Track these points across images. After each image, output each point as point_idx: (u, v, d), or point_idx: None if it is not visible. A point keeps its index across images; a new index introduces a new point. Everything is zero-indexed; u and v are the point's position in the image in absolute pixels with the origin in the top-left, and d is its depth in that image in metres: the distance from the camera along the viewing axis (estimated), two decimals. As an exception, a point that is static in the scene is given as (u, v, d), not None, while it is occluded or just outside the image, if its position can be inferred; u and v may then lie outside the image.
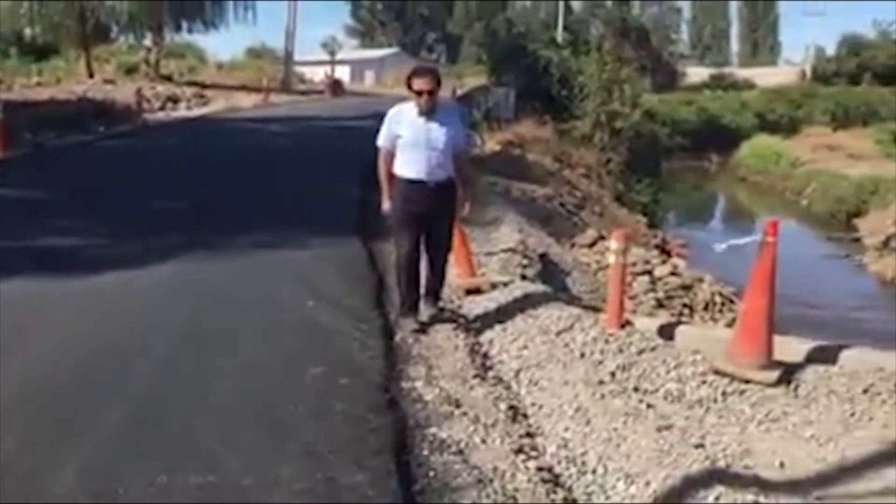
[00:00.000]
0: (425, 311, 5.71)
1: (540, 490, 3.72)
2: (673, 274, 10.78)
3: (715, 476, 3.87)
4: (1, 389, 4.17)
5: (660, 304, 9.54)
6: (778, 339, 6.04)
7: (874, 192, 21.13)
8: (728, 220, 24.40)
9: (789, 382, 5.17)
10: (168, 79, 30.31)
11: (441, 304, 5.95)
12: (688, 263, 12.82)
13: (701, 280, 10.98)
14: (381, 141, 5.53)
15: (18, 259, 6.79)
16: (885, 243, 17.35)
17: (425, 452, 3.85)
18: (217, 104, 25.57)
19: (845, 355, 5.56)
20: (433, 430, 4.12)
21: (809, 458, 4.29)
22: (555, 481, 3.88)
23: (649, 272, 10.57)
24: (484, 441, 4.09)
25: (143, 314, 5.65)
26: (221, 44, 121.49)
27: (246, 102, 26.62)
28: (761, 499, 3.64)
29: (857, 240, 18.13)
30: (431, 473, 3.65)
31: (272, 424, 3.95)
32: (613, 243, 5.99)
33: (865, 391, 5.04)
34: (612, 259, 6.03)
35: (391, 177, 5.53)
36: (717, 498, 3.64)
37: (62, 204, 9.45)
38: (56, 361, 4.67)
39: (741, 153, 37.34)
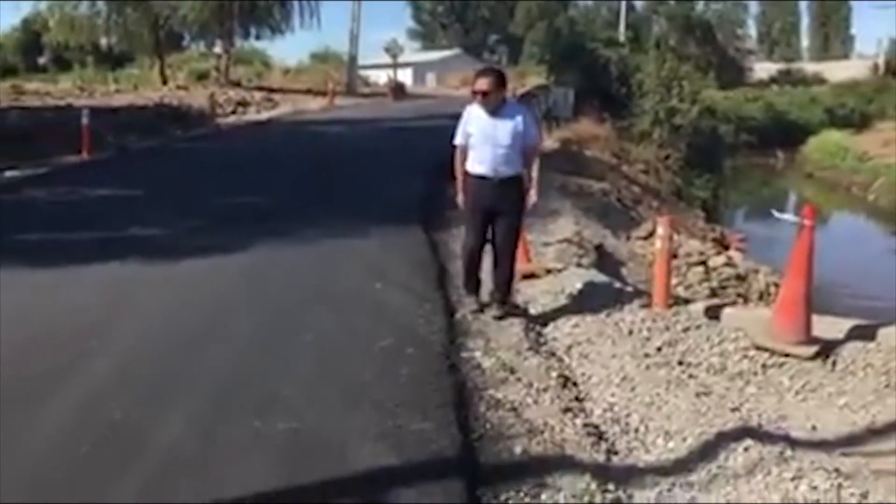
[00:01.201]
0: (494, 311, 6.00)
1: (585, 442, 4.14)
2: (728, 265, 11.01)
3: (747, 433, 4.24)
4: (113, 356, 4.79)
5: (713, 294, 9.78)
6: (819, 318, 6.35)
7: (942, 185, 20.89)
8: (794, 215, 24.10)
9: (827, 357, 5.48)
10: (237, 84, 31.45)
11: (509, 305, 6.17)
12: (745, 256, 12.97)
13: (756, 271, 11.18)
14: (458, 139, 5.94)
15: (111, 248, 7.47)
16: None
17: (482, 409, 4.32)
18: (284, 107, 26.46)
19: (883, 332, 5.82)
20: (490, 391, 4.58)
21: (840, 423, 4.62)
22: (599, 435, 4.31)
23: (704, 262, 10.83)
24: (536, 402, 4.54)
25: (227, 295, 6.24)
26: (287, 49, 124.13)
27: (312, 105, 27.46)
28: (787, 451, 3.99)
29: (923, 234, 17.98)
30: (488, 425, 4.12)
31: (346, 385, 4.46)
32: (660, 229, 6.36)
33: (901, 365, 5.31)
34: (658, 244, 6.39)
35: (465, 173, 5.94)
36: (745, 449, 4.00)
37: (147, 200, 10.19)
38: (154, 335, 5.26)
39: (807, 149, 36.77)
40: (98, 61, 45.48)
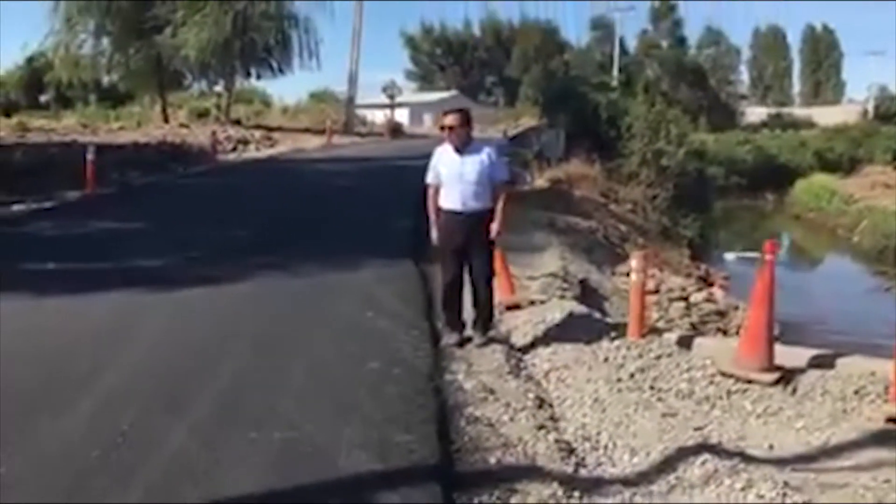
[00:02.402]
0: (476, 340, 6.32)
1: (556, 455, 4.50)
2: (708, 301, 11.43)
3: (705, 449, 4.60)
4: (121, 373, 5.16)
5: (693, 328, 10.15)
6: (782, 348, 6.76)
7: (923, 228, 21.43)
8: (779, 255, 24.64)
9: (788, 383, 5.87)
10: (237, 122, 32.09)
11: (492, 333, 6.54)
12: (727, 294, 13.37)
13: (737, 307, 11.56)
14: (429, 178, 6.34)
15: (116, 276, 7.88)
16: (928, 279, 17.67)
17: (462, 424, 4.69)
18: (283, 146, 27.02)
19: (842, 362, 6.23)
20: (470, 409, 4.95)
21: (796, 443, 4.98)
22: (569, 450, 4.67)
23: (685, 298, 11.24)
24: (512, 419, 4.90)
25: (226, 321, 6.62)
26: (286, 88, 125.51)
27: (310, 144, 28.04)
28: (741, 465, 4.35)
29: (904, 275, 18.44)
30: (466, 438, 4.49)
31: (338, 401, 4.83)
32: (634, 262, 6.77)
33: (856, 392, 5.70)
34: (633, 276, 6.80)
35: (438, 210, 6.32)
36: (703, 463, 4.37)
37: (150, 233, 10.62)
38: (156, 356, 5.63)
39: (795, 191, 37.42)
40: (100, 99, 46.20)
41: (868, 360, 6.21)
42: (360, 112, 43.72)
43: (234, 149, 25.08)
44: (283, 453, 4.07)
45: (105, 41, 32.89)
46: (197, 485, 3.70)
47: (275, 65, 35.27)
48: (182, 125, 29.38)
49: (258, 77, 36.95)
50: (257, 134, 28.44)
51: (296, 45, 34.28)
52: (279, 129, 31.72)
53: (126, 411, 4.52)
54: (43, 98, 53.30)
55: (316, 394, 4.95)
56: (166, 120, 31.94)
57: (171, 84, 36.17)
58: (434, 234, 6.40)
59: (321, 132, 30.72)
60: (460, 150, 6.17)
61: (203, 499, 3.58)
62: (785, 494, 3.95)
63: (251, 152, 25.16)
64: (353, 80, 37.76)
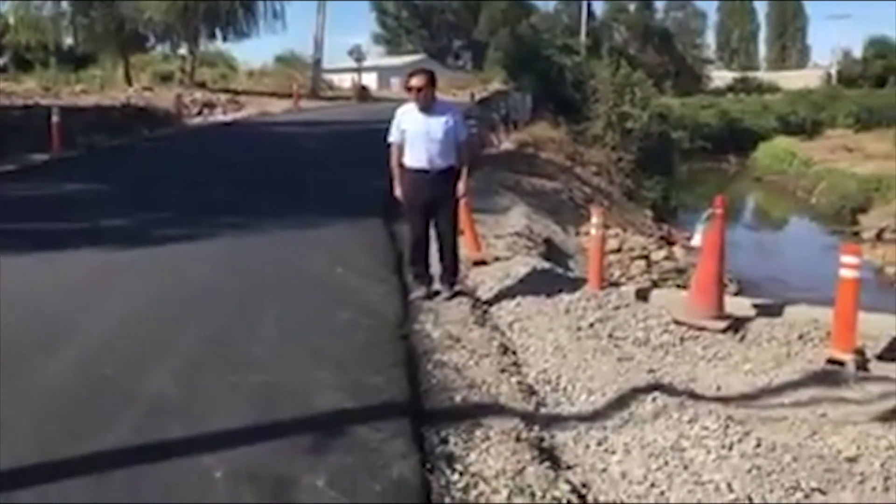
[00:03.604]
0: (443, 293, 6.60)
1: (518, 396, 4.81)
2: (668, 259, 11.82)
3: (657, 388, 4.93)
4: (101, 326, 5.36)
5: (654, 284, 10.51)
6: (734, 299, 7.13)
7: (878, 189, 22.03)
8: (739, 216, 25.25)
9: (737, 330, 6.22)
10: (203, 86, 31.77)
11: (458, 287, 6.82)
12: (688, 252, 13.76)
13: (695, 265, 11.93)
14: (392, 137, 6.50)
15: (88, 237, 8.01)
16: (878, 236, 18.33)
17: (430, 368, 4.97)
18: (250, 109, 26.90)
19: (789, 310, 6.61)
20: (437, 355, 5.23)
21: (742, 384, 5.32)
22: (531, 392, 4.98)
23: (646, 256, 11.61)
24: (477, 364, 5.19)
25: (200, 277, 6.82)
26: (251, 52, 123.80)
27: (277, 108, 27.92)
28: (688, 402, 4.69)
29: (857, 233, 19.05)
30: (433, 380, 4.77)
31: (311, 349, 5.08)
32: (594, 217, 7.06)
33: (800, 337, 6.07)
34: (592, 231, 7.10)
35: (401, 168, 6.50)
36: (653, 400, 4.70)
37: (119, 194, 10.70)
38: (134, 309, 5.82)
39: (758, 154, 38.08)
40: (60, 62, 45.28)
41: (812, 309, 6.58)
42: (328, 76, 43.44)
43: (200, 112, 24.92)
44: (261, 394, 4.32)
45: (65, 3, 32.29)
46: (181, 422, 3.94)
47: (240, 27, 34.93)
48: (146, 88, 29.01)
49: (223, 40, 36.58)
50: (223, 97, 28.22)
51: (261, 8, 33.99)
52: (245, 92, 31.46)
53: (108, 359, 4.73)
54: (0, 61, 52.10)
55: (290, 342, 5.20)
56: (129, 83, 31.49)
57: (134, 46, 35.62)
58: (398, 190, 6.58)
59: (288, 96, 30.55)
60: (425, 109, 6.36)
61: (188, 434, 3.82)
62: (727, 426, 4.28)
63: (217, 116, 25.01)
64: (319, 44, 37.55)
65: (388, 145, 6.57)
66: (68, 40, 38.85)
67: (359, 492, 3.37)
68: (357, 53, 40.16)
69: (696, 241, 6.64)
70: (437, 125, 6.33)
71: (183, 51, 35.48)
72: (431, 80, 6.45)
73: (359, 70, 39.94)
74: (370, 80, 46.80)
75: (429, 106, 6.38)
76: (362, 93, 36.01)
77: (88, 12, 31.98)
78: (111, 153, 15.56)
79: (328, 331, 5.44)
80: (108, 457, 3.62)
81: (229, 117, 24.78)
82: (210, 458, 3.57)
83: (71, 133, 15.51)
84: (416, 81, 6.33)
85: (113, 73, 34.69)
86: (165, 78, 33.93)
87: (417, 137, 6.34)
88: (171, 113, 22.24)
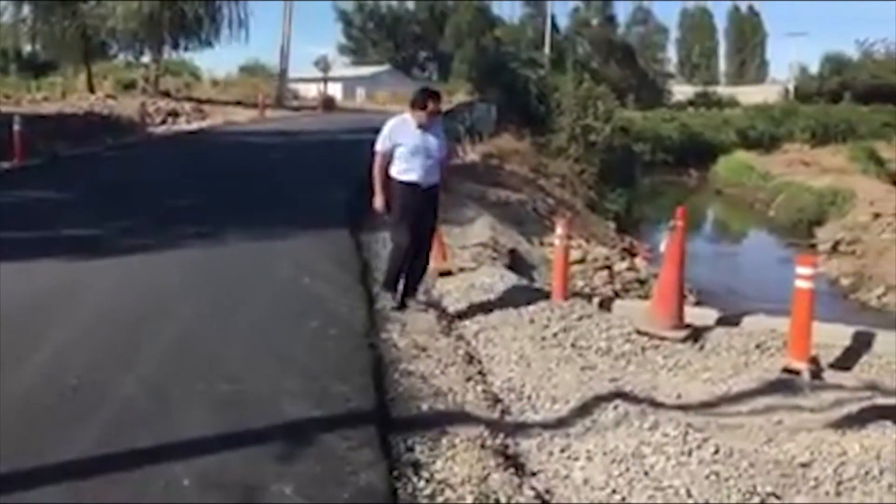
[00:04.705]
0: (415, 304, 6.66)
1: (483, 404, 4.90)
2: (630, 270, 12.01)
3: (618, 397, 5.04)
4: (70, 332, 5.34)
5: (616, 295, 10.68)
6: (694, 309, 7.30)
7: (833, 202, 22.57)
8: (699, 228, 25.68)
9: (697, 340, 6.37)
10: (167, 94, 31.49)
11: (424, 297, 6.97)
12: (650, 264, 13.98)
13: (657, 276, 12.14)
14: (379, 146, 6.46)
15: (53, 245, 7.91)
16: (834, 248, 18.81)
17: (396, 377, 5.04)
18: (215, 119, 26.72)
19: (747, 320, 6.79)
20: (404, 364, 5.30)
21: (701, 392, 5.46)
22: (496, 400, 5.07)
23: (609, 267, 11.79)
24: (443, 373, 5.27)
25: (167, 286, 6.79)
26: (215, 61, 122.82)
27: (242, 117, 27.77)
28: (649, 409, 4.80)
29: (813, 246, 19.51)
30: (400, 389, 4.84)
31: (279, 358, 5.11)
32: (558, 229, 7.18)
33: (758, 346, 6.25)
34: (556, 242, 7.22)
35: (387, 179, 6.47)
36: (615, 408, 4.81)
37: (83, 203, 10.58)
38: (101, 317, 5.80)
39: (717, 168, 38.74)
40: (20, 69, 44.56)
41: (770, 319, 6.77)
42: (293, 86, 43.27)
43: (164, 121, 24.68)
44: (229, 402, 4.35)
45: (26, 8, 31.82)
46: (149, 429, 3.95)
47: (204, 36, 34.69)
48: (109, 96, 28.66)
49: (186, 49, 36.27)
50: (188, 106, 27.98)
51: (225, 16, 33.80)
52: (210, 101, 31.25)
53: (76, 366, 4.72)
54: (-42, 68, 51.15)
55: (258, 351, 5.22)
56: (92, 90, 31.10)
57: (97, 54, 35.20)
58: (379, 201, 6.50)
59: (253, 105, 30.41)
60: (425, 126, 6.43)
61: (155, 442, 3.83)
62: (687, 433, 4.40)
63: (182, 125, 24.79)
64: (284, 54, 37.43)
65: (374, 153, 6.52)
66: (28, 47, 38.34)
67: (326, 499, 3.42)
68: (323, 64, 40.13)
69: (662, 248, 6.78)
70: (434, 142, 6.45)
71: (146, 59, 35.13)
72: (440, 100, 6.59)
73: (325, 80, 39.90)
74: (336, 90, 46.72)
75: (431, 124, 6.46)
76: (328, 103, 35.96)
77: (50, 19, 31.50)
78: (74, 162, 15.37)
79: (295, 339, 5.48)
80: (75, 466, 3.62)
81: (194, 126, 24.59)
82: (178, 466, 3.59)
83: (33, 141, 15.30)
84: (434, 105, 6.45)
85: (74, 81, 34.25)
86: (128, 86, 33.56)
87: (417, 152, 6.39)
88: (135, 121, 22.01)
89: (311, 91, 42.53)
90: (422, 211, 6.50)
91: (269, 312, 6.13)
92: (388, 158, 6.45)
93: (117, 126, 20.74)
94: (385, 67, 60.09)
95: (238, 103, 31.81)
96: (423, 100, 6.49)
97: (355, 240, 8.93)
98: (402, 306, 6.61)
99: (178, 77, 39.38)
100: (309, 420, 4.21)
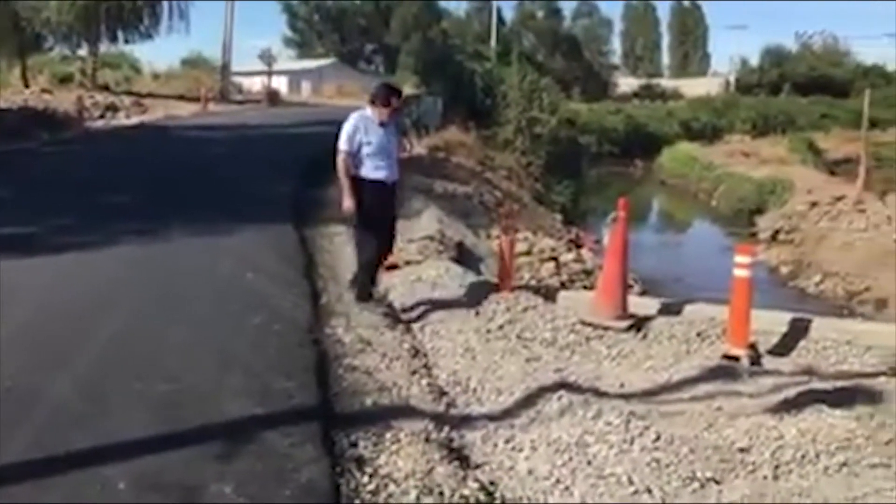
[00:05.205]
0: (360, 296, 6.57)
1: (428, 398, 4.89)
2: (577, 261, 12.12)
3: (563, 387, 5.08)
4: (4, 330, 5.18)
5: (562, 286, 10.76)
6: (637, 299, 7.39)
7: (773, 192, 23.11)
8: (645, 219, 26.07)
9: (639, 329, 6.46)
10: (105, 88, 30.76)
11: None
12: (596, 255, 14.12)
13: (602, 267, 12.28)
14: (346, 146, 6.28)
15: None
16: (773, 237, 19.27)
17: (340, 372, 5.00)
18: (156, 113, 26.20)
19: (688, 309, 6.91)
20: (348, 359, 5.26)
21: (644, 380, 5.54)
22: (441, 393, 5.06)
23: (555, 259, 11.88)
24: (388, 367, 5.25)
25: (106, 284, 6.64)
26: (157, 54, 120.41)
27: (184, 111, 27.30)
28: (592, 399, 4.85)
29: (754, 234, 19.95)
30: (344, 384, 4.80)
31: (220, 355, 5.03)
32: (503, 221, 7.20)
33: (698, 334, 6.37)
34: (501, 235, 7.24)
35: (356, 179, 6.31)
36: (559, 398, 4.84)
37: (18, 201, 10.26)
38: (37, 317, 5.64)
39: (661, 159, 39.30)
40: (-52, 63, 43.08)
41: (710, 307, 6.90)
42: (237, 79, 42.65)
43: (103, 115, 24.13)
44: (168, 401, 4.25)
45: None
46: (84, 431, 3.84)
47: (143, 28, 33.96)
48: (44, 90, 27.87)
49: (126, 41, 35.45)
50: (127, 100, 27.39)
51: (165, 7, 33.14)
52: (150, 95, 30.62)
53: (9, 367, 4.57)
54: None
55: (198, 349, 5.13)
56: (26, 84, 30.21)
57: (31, 47, 34.18)
58: (349, 202, 6.30)
59: (196, 99, 29.88)
60: (385, 123, 6.37)
61: (90, 444, 3.73)
62: (629, 421, 4.45)
63: (121, 119, 24.26)
64: (227, 46, 36.81)
65: (340, 151, 6.35)
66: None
67: (267, 498, 3.36)
68: (267, 57, 39.56)
69: (607, 239, 6.84)
70: (394, 139, 6.47)
71: (83, 52, 34.26)
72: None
73: (269, 73, 39.36)
74: (281, 83, 46.20)
75: (391, 120, 6.44)
76: (273, 97, 35.48)
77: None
78: (8, 157, 14.87)
79: (238, 336, 5.39)
80: (7, 470, 3.50)
81: (134, 121, 24.07)
82: (113, 468, 3.50)
83: (-36, 137, 14.84)
84: (397, 102, 6.43)
85: (8, 75, 33.22)
86: (65, 80, 32.63)
87: (381, 150, 6.33)
88: (72, 116, 21.44)
89: (255, 85, 41.99)
90: (388, 208, 6.50)
91: (211, 309, 6.02)
92: (354, 157, 6.31)
93: (53, 121, 20.18)
94: (331, 61, 59.60)
95: (180, 97, 31.25)
96: (386, 96, 6.43)
97: (300, 234, 8.84)
98: (368, 297, 6.59)
99: (117, 70, 38.38)
100: (250, 418, 4.14)
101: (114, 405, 4.19)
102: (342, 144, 6.28)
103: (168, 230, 8.63)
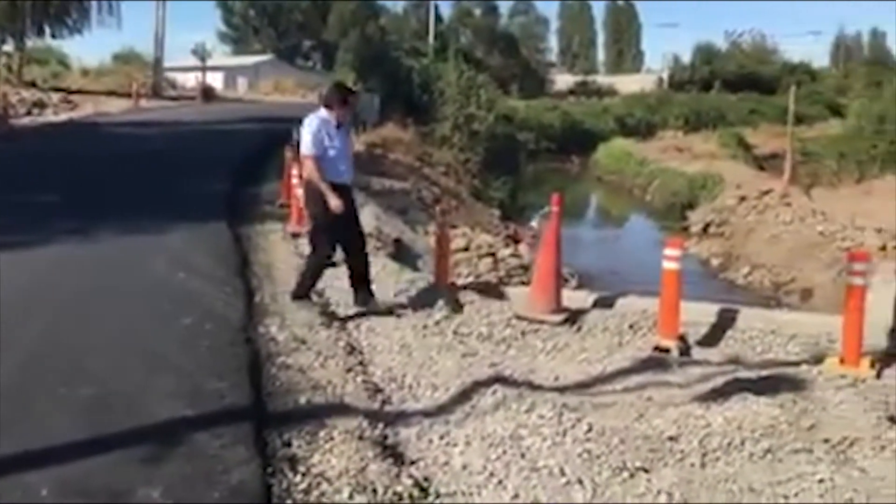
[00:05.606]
0: (371, 303, 6.50)
1: (363, 395, 4.86)
2: (514, 256, 12.23)
3: (497, 381, 5.11)
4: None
5: (501, 282, 10.84)
6: (572, 293, 7.49)
7: (704, 186, 23.68)
8: (582, 215, 26.44)
9: (574, 322, 6.55)
10: (32, 84, 29.83)
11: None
12: (533, 250, 14.26)
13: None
14: (314, 150, 6.12)
15: None
16: (705, 230, 19.76)
17: (274, 371, 4.94)
18: (85, 109, 25.55)
19: (621, 302, 7.02)
20: (282, 358, 5.20)
21: (577, 373, 5.61)
22: (376, 390, 5.04)
23: (493, 254, 11.96)
24: (322, 365, 5.20)
25: (31, 286, 6.44)
26: (87, 49, 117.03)
27: (115, 108, 26.66)
28: (526, 392, 4.89)
29: (686, 228, 20.41)
30: (277, 383, 4.75)
31: (149, 356, 4.92)
32: (439, 217, 7.22)
33: (631, 326, 6.49)
34: (436, 229, 7.25)
35: (308, 183, 6.22)
36: (493, 393, 4.87)
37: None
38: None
39: (597, 155, 39.86)
40: None
41: (642, 300, 7.02)
42: (171, 75, 41.85)
43: (29, 112, 23.46)
44: (93, 405, 4.15)
45: None
46: (6, 437, 3.72)
47: (71, 23, 33.04)
48: (-33, 87, 26.96)
49: (53, 36, 34.46)
50: (55, 97, 26.64)
51: (94, 2, 32.28)
52: (80, 91, 29.83)
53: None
54: None
55: (126, 351, 5.01)
56: (-52, 80, 29.16)
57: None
58: (335, 201, 6.10)
59: (127, 95, 29.22)
60: (342, 123, 6.31)
61: (13, 450, 3.62)
62: (562, 414, 4.50)
63: (48, 116, 23.60)
64: (160, 41, 36.05)
65: (310, 157, 6.18)
66: None
67: (196, 500, 3.31)
68: (201, 52, 38.84)
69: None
70: (347, 139, 6.40)
71: (8, 47, 33.15)
72: None
73: (203, 69, 38.66)
74: (216, 79, 45.42)
75: (346, 121, 6.39)
76: (207, 93, 34.86)
77: None
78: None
79: (167, 337, 5.29)
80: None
81: (63, 117, 23.43)
82: (36, 474, 3.40)
83: None
84: (354, 101, 6.44)
85: (-72, 71, 31.99)
86: (-11, 76, 31.60)
87: (342, 154, 6.28)
88: (-5, 113, 20.77)
89: (189, 81, 41.23)
90: (350, 209, 6.38)
91: (141, 310, 5.90)
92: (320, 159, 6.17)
93: (-25, 118, 19.50)
94: (268, 57, 58.90)
95: (111, 93, 30.50)
96: (343, 96, 6.38)
97: (234, 232, 8.73)
98: (367, 302, 6.51)
99: (44, 66, 37.31)
100: (180, 420, 4.07)
101: (37, 410, 4.07)
102: (310, 149, 6.13)
103: (98, 229, 8.44)
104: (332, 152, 6.20)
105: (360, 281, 6.57)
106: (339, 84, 6.73)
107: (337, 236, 6.39)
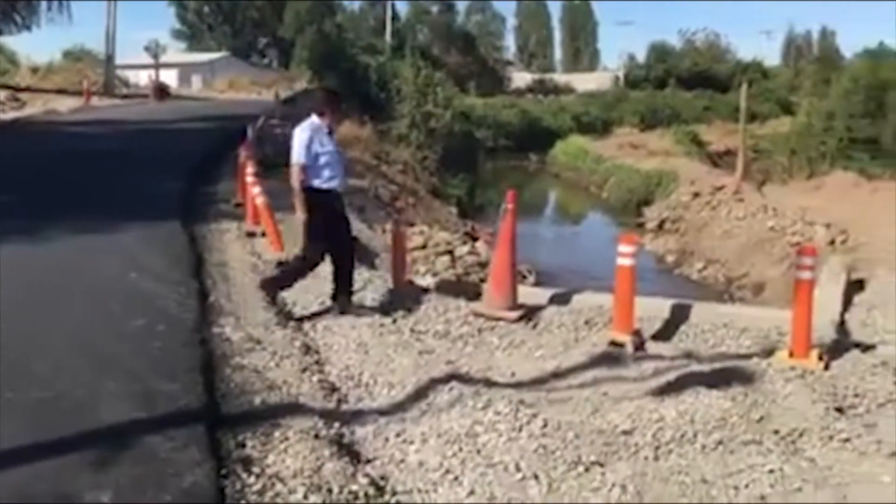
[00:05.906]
0: (350, 308, 6.47)
1: (319, 394, 4.83)
2: (472, 253, 12.24)
3: (454, 378, 5.12)
4: None
5: (458, 279, 10.87)
6: (528, 289, 7.53)
7: (659, 183, 23.99)
8: (540, 212, 26.61)
9: (530, 319, 6.59)
10: (-23, 82, 29.14)
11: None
12: (491, 247, 14.30)
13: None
14: (303, 158, 6.08)
15: None
16: (660, 226, 20.05)
17: (228, 372, 4.89)
18: (33, 108, 24.99)
19: (576, 298, 7.09)
20: (236, 359, 5.15)
21: (534, 369, 5.64)
22: (332, 389, 5.01)
23: (451, 252, 11.97)
24: (278, 365, 5.17)
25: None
26: (36, 46, 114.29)
27: (65, 106, 26.08)
28: (482, 389, 4.91)
29: (641, 224, 20.68)
30: (232, 384, 4.70)
31: (99, 359, 4.84)
32: (395, 215, 7.21)
33: (586, 322, 6.55)
34: (391, 227, 7.25)
35: (311, 190, 6.16)
36: (450, 390, 4.88)
37: None
38: None
39: (554, 152, 40.12)
40: None
41: (598, 296, 7.11)
42: (123, 73, 41.06)
43: (-26, 111, 22.89)
44: (41, 409, 4.07)
45: None
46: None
47: (19, 20, 32.28)
48: None
49: (0, 32, 33.62)
50: (2, 94, 26.00)
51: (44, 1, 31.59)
52: (29, 89, 29.17)
53: None
54: None
55: (76, 354, 4.92)
56: None
57: None
58: (302, 213, 6.24)
59: (78, 94, 28.63)
60: (332, 129, 6.31)
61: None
62: (518, 410, 4.53)
63: (-5, 114, 23.04)
64: (111, 38, 35.36)
65: (300, 165, 6.16)
66: None
67: (146, 503, 3.26)
68: (154, 48, 38.14)
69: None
70: (336, 146, 6.35)
71: (-46, 43, 32.36)
72: None
73: (157, 66, 38.01)
74: (170, 77, 44.73)
75: (336, 128, 6.41)
76: (161, 91, 34.26)
77: None
78: None
79: (119, 339, 5.20)
80: None
81: (10, 116, 22.86)
82: (-20, 481, 3.33)
83: None
84: (343, 106, 6.48)
85: None
86: (-68, 73, 30.80)
87: (333, 158, 6.25)
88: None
89: (142, 78, 40.52)
90: (342, 215, 6.48)
91: (91, 312, 5.79)
92: (309, 169, 6.14)
93: (-82, 117, 18.96)
94: (223, 54, 58.16)
95: (61, 91, 29.85)
96: (335, 102, 6.44)
97: (189, 232, 8.60)
98: (346, 306, 6.47)
99: (-9, 63, 36.47)
100: (131, 422, 4.00)
101: (-19, 416, 3.97)
102: (300, 157, 6.12)
103: (49, 229, 8.27)
104: (323, 158, 6.20)
105: (344, 285, 6.57)
106: (326, 90, 6.84)
107: (329, 244, 6.41)
